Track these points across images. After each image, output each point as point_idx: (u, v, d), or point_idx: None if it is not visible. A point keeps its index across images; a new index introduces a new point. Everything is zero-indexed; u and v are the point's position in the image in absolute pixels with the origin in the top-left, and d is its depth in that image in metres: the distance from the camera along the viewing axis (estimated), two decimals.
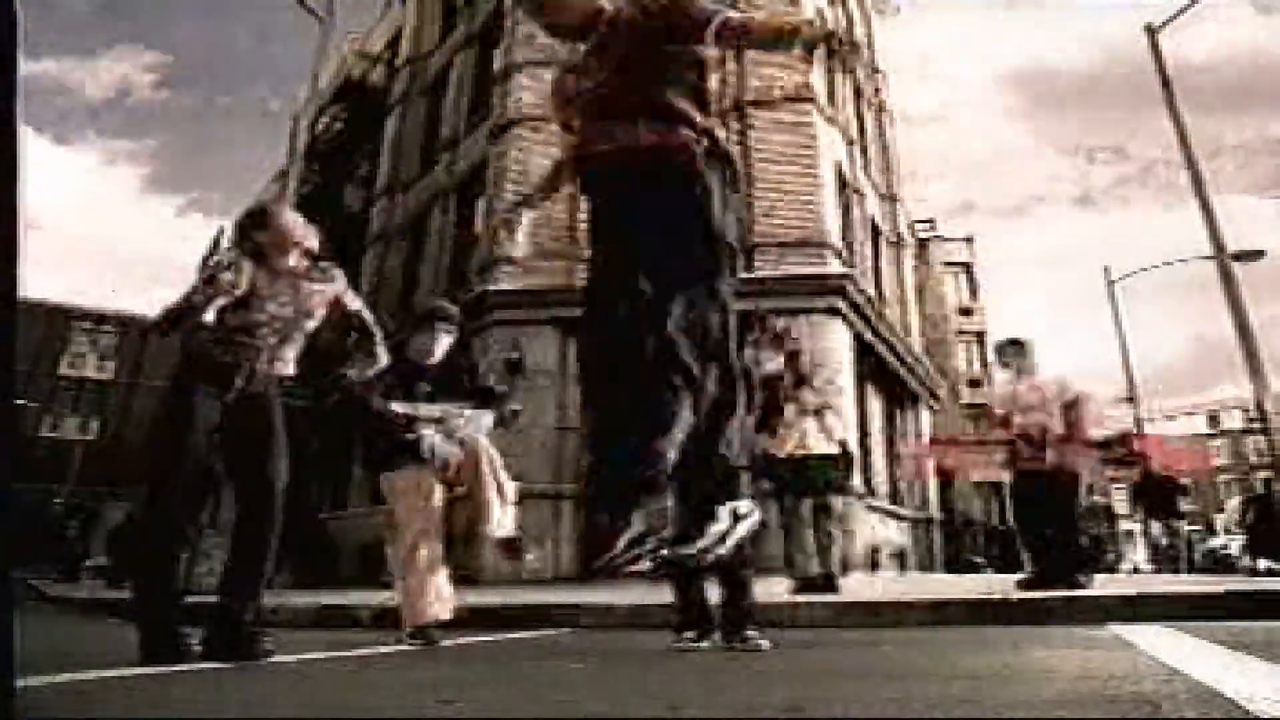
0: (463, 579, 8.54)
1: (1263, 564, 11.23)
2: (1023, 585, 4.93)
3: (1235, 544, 14.90)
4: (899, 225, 15.59)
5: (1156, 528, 11.71)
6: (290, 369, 3.05)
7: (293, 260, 3.00)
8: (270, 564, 2.95)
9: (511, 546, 3.57)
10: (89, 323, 34.26)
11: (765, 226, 9.96)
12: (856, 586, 5.47)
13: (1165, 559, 11.57)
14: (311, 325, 3.05)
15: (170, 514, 2.77)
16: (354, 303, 3.15)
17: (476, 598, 5.60)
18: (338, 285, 3.09)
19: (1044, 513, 5.05)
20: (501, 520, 3.56)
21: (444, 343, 3.72)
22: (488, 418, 3.70)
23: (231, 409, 2.88)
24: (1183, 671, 2.10)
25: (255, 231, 2.96)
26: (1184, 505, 11.89)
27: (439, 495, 3.62)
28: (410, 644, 3.41)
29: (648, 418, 1.51)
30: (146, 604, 2.73)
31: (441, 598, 3.55)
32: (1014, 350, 5.43)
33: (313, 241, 3.03)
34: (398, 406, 3.53)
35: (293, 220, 3.02)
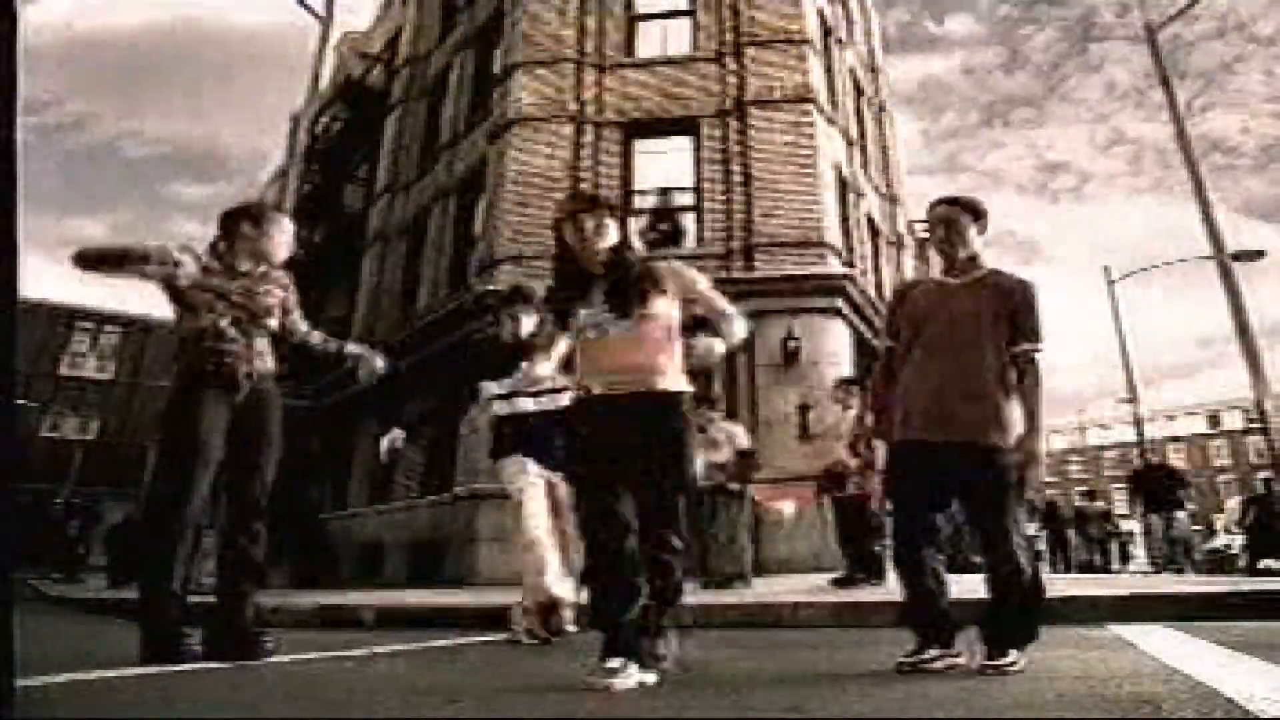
0: (462, 580, 8.47)
1: (1262, 563, 10.84)
2: (836, 583, 5.77)
3: (1236, 544, 14.74)
4: (899, 225, 15.60)
5: (1157, 522, 10.57)
6: (272, 364, 3.12)
7: (262, 266, 3.14)
8: (262, 562, 2.98)
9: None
10: (89, 323, 34.25)
11: (765, 226, 9.96)
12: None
13: (1166, 558, 10.43)
14: (273, 324, 3.15)
15: (179, 517, 2.78)
16: (292, 298, 3.31)
17: (476, 598, 5.61)
18: (289, 294, 3.26)
19: (852, 527, 5.96)
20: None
21: (524, 321, 3.85)
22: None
23: (238, 408, 2.94)
24: (1183, 671, 2.10)
25: (244, 227, 3.10)
26: (1188, 502, 10.64)
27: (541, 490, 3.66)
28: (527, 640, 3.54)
29: None
30: (149, 604, 2.73)
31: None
32: (846, 390, 6.17)
33: (285, 253, 3.22)
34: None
35: (280, 231, 3.18)
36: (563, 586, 3.55)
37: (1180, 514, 10.35)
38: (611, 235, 2.38)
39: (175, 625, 2.71)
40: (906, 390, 2.55)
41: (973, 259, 2.56)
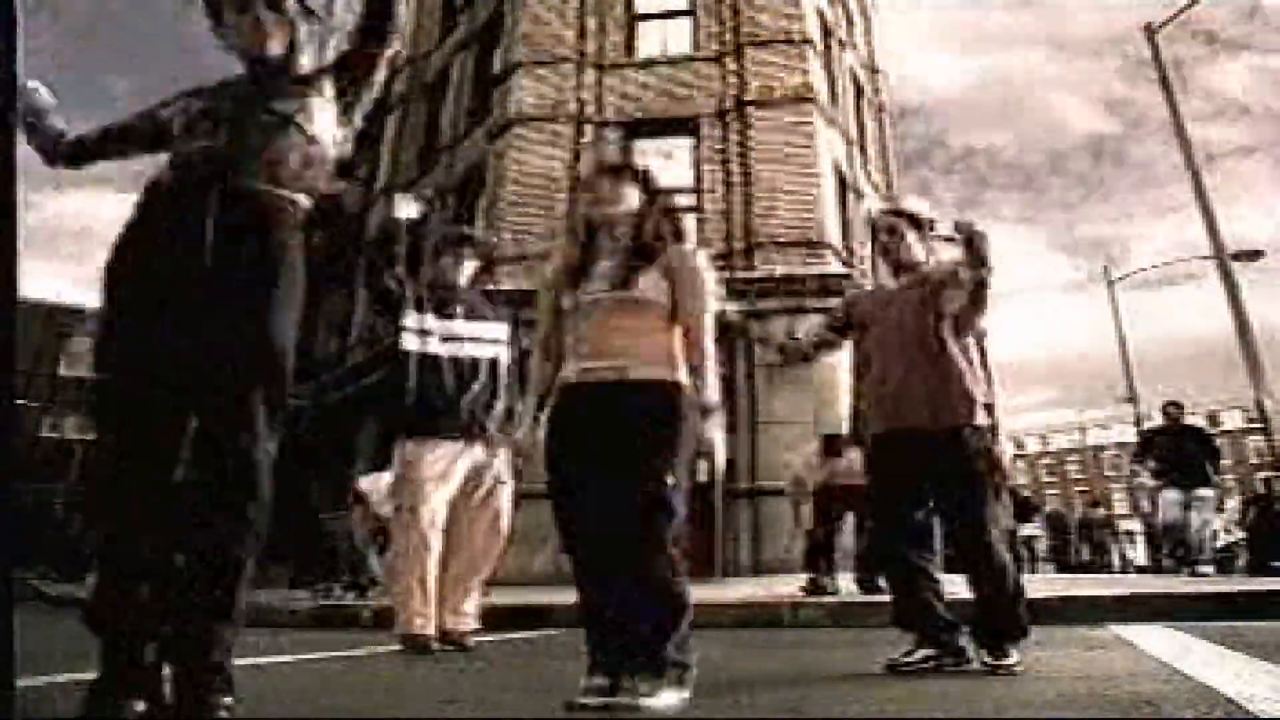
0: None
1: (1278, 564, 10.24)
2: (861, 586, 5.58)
3: (1240, 544, 14.70)
4: None
5: (1173, 500, 7.30)
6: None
7: None
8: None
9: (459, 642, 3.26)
10: (89, 323, 34.22)
11: (765, 226, 9.96)
12: (855, 587, 5.48)
13: (1180, 548, 7.31)
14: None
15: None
16: None
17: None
18: None
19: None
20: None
21: (469, 268, 3.60)
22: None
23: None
24: (1183, 671, 2.09)
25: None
26: (1214, 477, 7.52)
27: (456, 483, 3.28)
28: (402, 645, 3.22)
29: None
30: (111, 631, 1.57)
31: (426, 612, 3.19)
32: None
33: None
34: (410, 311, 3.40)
35: None
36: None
37: (1205, 491, 7.34)
38: (631, 202, 2.02)
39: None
40: (871, 390, 2.67)
41: (913, 264, 2.69)
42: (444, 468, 3.26)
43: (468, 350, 3.42)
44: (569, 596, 5.29)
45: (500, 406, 3.43)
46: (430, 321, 3.40)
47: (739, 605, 4.60)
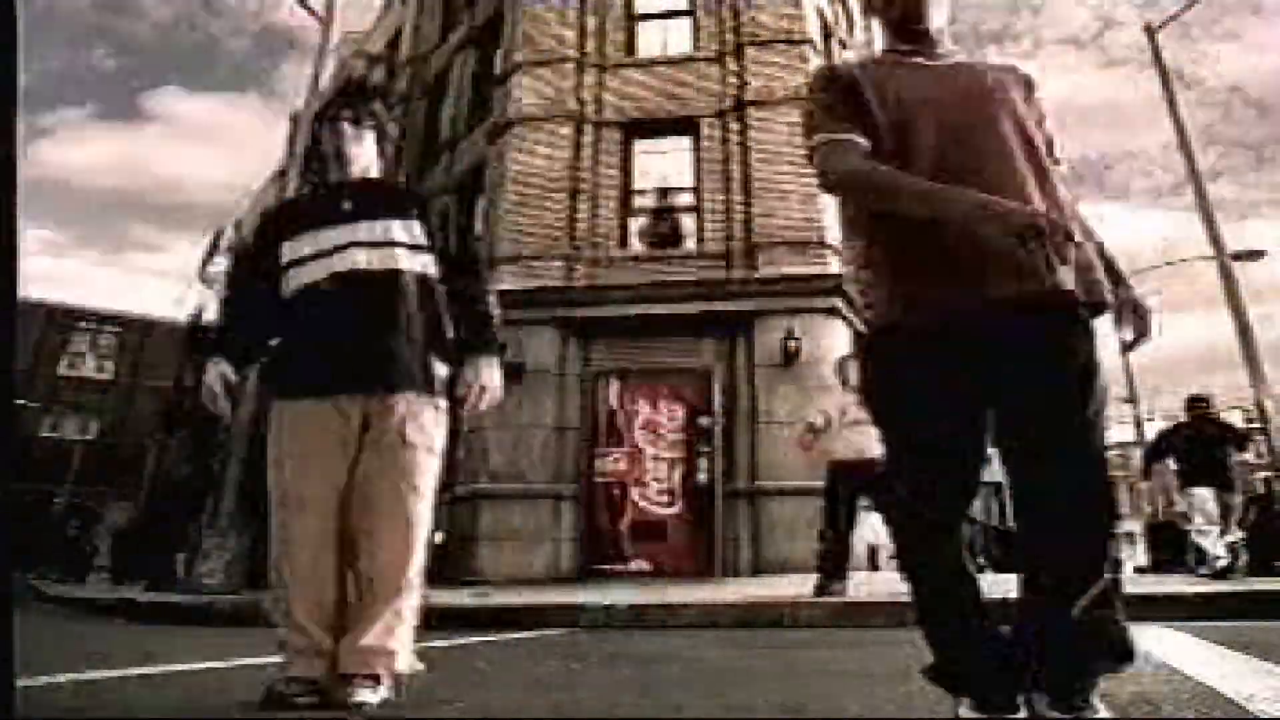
0: (461, 581, 8.45)
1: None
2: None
3: (1240, 544, 14.66)
4: None
5: (1205, 498, 6.85)
6: None
7: None
8: None
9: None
10: (89, 323, 34.25)
11: (765, 226, 9.95)
12: (854, 587, 5.49)
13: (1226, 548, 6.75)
14: None
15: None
16: None
17: (476, 598, 5.60)
18: None
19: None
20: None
21: (367, 142, 2.26)
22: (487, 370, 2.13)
23: None
24: (1183, 671, 2.10)
25: None
26: (1242, 458, 7.10)
27: (341, 458, 2.03)
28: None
29: None
30: None
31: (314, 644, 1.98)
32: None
33: None
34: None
35: None
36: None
37: (1233, 497, 7.01)
38: None
39: None
40: (903, 235, 1.39)
41: (940, 32, 1.58)
42: (321, 437, 2.03)
43: (355, 261, 2.11)
44: (568, 596, 5.31)
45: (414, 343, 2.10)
46: (303, 235, 2.17)
47: (739, 605, 4.60)
